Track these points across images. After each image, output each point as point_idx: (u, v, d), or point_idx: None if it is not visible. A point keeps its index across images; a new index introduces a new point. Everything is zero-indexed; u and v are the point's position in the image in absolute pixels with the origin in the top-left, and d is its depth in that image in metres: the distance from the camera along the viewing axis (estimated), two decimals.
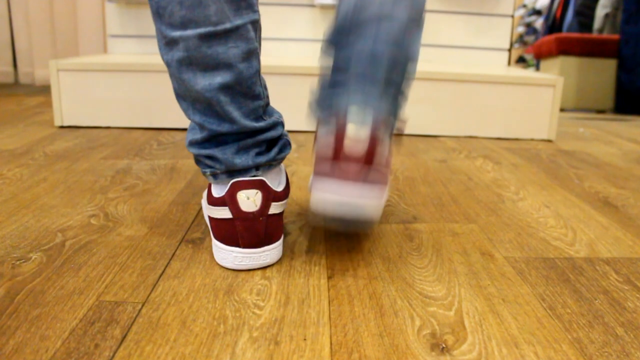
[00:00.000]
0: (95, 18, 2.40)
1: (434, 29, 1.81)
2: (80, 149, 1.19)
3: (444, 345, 0.48)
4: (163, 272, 0.61)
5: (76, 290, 0.56)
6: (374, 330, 0.50)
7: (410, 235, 0.74)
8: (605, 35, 2.81)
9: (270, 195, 0.60)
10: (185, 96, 0.61)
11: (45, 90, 2.29)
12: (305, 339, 0.49)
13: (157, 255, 0.65)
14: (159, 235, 0.71)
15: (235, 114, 0.60)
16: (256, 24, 0.61)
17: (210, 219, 0.64)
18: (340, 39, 0.63)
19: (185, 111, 0.62)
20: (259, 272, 0.62)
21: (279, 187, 0.65)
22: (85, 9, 2.38)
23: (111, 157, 1.13)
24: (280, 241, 0.64)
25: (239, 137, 0.62)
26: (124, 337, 0.48)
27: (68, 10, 2.42)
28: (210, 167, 0.64)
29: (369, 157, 0.56)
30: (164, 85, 1.45)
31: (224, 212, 0.61)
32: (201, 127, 0.62)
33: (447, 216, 0.83)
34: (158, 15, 0.56)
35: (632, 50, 2.49)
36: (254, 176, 0.62)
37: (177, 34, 0.56)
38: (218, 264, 0.63)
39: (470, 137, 1.51)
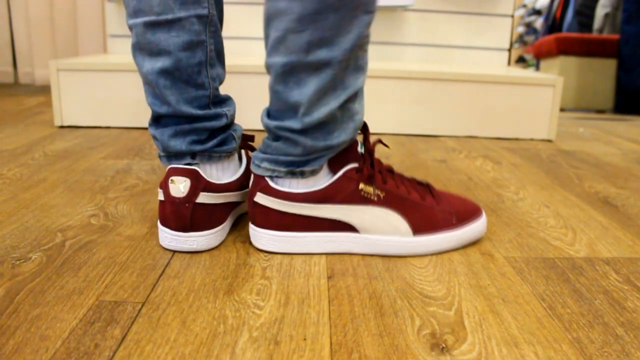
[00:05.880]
0: (95, 18, 2.40)
1: (434, 29, 1.81)
2: (80, 149, 1.19)
3: (444, 345, 0.48)
4: (163, 272, 0.61)
5: (76, 290, 0.56)
6: (374, 330, 0.50)
7: None
8: (605, 35, 2.81)
9: (200, 185, 0.64)
10: (142, 79, 0.67)
11: (45, 90, 2.29)
12: (305, 339, 0.49)
13: (157, 255, 0.65)
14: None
15: (172, 98, 0.65)
16: (204, 19, 0.64)
17: None
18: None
19: (145, 94, 0.69)
20: (259, 272, 0.62)
21: (223, 180, 0.69)
22: (85, 9, 2.38)
23: (111, 157, 1.13)
24: (213, 231, 0.66)
25: (178, 122, 0.67)
26: (124, 337, 0.48)
27: (68, 10, 2.42)
28: (159, 148, 0.69)
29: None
30: None
31: (160, 195, 0.66)
32: (151, 108, 0.67)
33: None
34: (125, 6, 0.65)
35: (632, 50, 2.49)
36: (188, 164, 0.67)
37: (131, 21, 0.64)
38: (218, 264, 0.63)
39: (470, 137, 1.51)
